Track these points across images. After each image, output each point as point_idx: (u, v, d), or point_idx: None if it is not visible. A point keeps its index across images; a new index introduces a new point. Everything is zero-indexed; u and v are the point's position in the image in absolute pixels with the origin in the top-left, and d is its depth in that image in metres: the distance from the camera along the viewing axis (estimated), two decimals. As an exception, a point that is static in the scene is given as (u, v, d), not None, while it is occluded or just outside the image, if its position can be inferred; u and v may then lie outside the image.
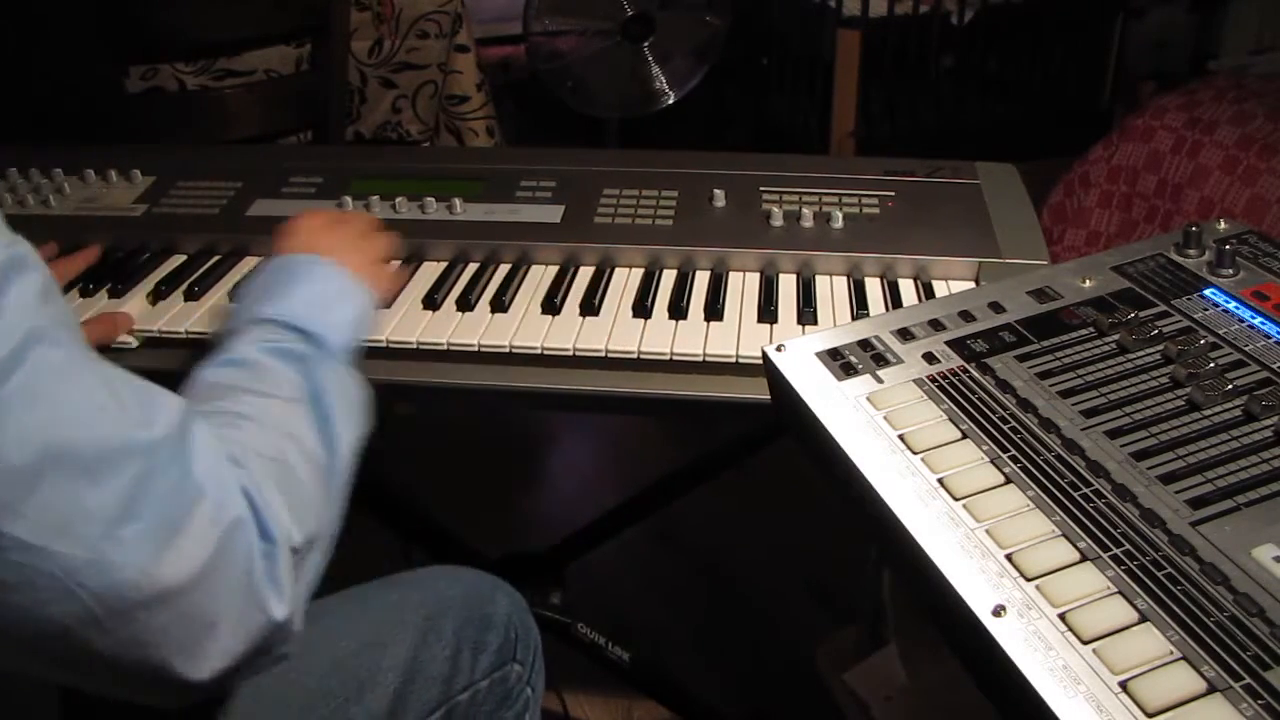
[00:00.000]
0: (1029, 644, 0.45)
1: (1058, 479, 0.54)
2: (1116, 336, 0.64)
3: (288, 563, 0.56)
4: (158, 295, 0.98)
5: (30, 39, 1.41)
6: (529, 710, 0.90)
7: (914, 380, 0.63)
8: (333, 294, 0.78)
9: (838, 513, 0.62)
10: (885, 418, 0.60)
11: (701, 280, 0.97)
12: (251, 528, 0.54)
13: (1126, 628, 0.46)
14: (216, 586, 0.52)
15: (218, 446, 0.56)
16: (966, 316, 0.68)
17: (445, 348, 0.90)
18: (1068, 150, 2.20)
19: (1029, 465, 0.55)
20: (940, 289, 0.96)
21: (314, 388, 0.68)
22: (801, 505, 1.85)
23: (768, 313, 0.92)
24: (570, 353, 0.88)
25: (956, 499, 0.54)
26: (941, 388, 0.62)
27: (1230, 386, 0.58)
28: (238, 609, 0.53)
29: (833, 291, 0.96)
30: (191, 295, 0.98)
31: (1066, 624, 0.46)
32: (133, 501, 0.49)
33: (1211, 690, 0.42)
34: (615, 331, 0.90)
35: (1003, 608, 0.47)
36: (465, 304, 0.94)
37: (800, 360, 0.66)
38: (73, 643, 0.49)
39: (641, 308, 0.93)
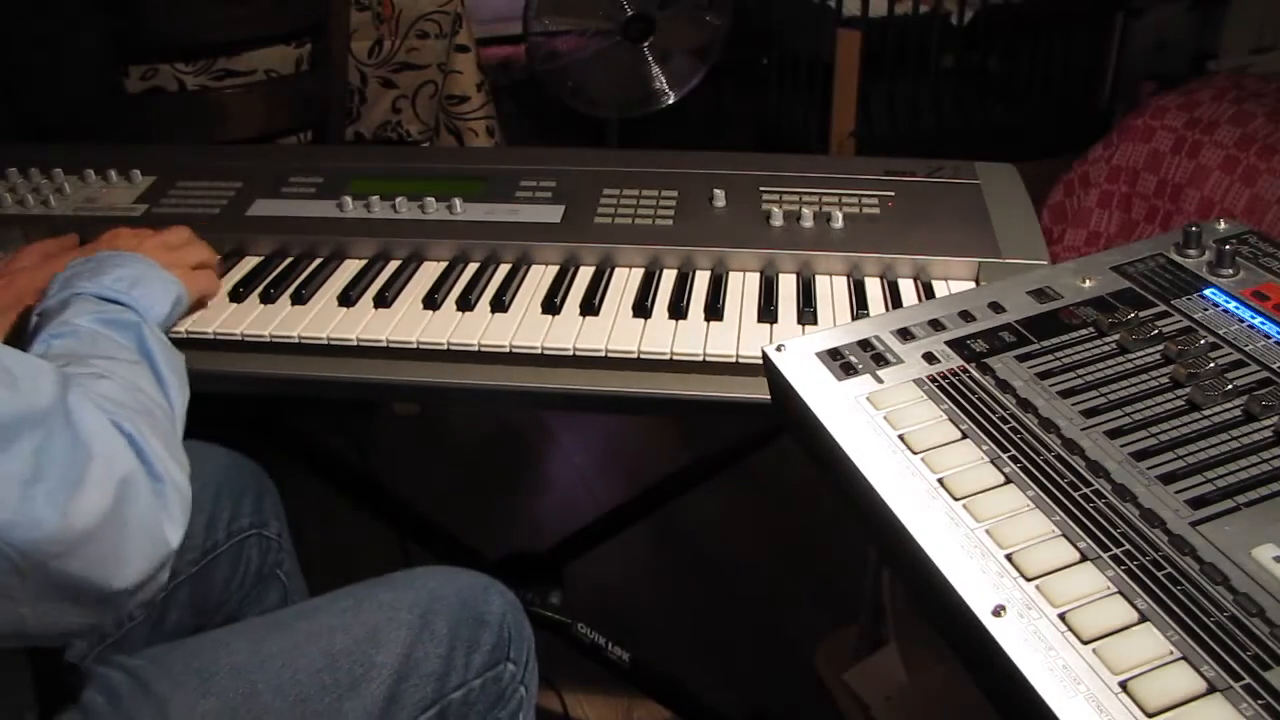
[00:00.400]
0: (1029, 644, 0.45)
1: (1058, 479, 0.54)
2: (1116, 336, 0.64)
3: (175, 497, 0.62)
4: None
5: (31, 39, 1.41)
6: (523, 710, 0.90)
7: (914, 380, 0.63)
8: (139, 275, 0.83)
9: (838, 513, 0.62)
10: (885, 418, 0.60)
11: (701, 280, 0.97)
12: (141, 472, 0.60)
13: (1126, 628, 0.46)
14: (121, 528, 0.58)
15: (93, 403, 0.60)
16: (966, 316, 0.68)
17: (445, 348, 0.90)
18: (1068, 150, 2.20)
19: (1029, 465, 0.55)
20: (940, 289, 0.96)
21: (144, 349, 0.75)
22: (801, 505, 1.86)
23: (768, 313, 0.92)
24: (570, 353, 0.88)
25: (956, 499, 0.54)
26: (941, 388, 0.62)
27: (1230, 386, 0.58)
28: (142, 544, 0.60)
29: (833, 291, 0.95)
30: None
31: (1066, 624, 0.46)
32: (39, 464, 0.54)
33: (1211, 690, 0.42)
34: (615, 331, 0.90)
35: (1003, 608, 0.47)
36: (465, 304, 0.94)
37: (800, 360, 0.66)
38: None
39: (641, 308, 0.93)
